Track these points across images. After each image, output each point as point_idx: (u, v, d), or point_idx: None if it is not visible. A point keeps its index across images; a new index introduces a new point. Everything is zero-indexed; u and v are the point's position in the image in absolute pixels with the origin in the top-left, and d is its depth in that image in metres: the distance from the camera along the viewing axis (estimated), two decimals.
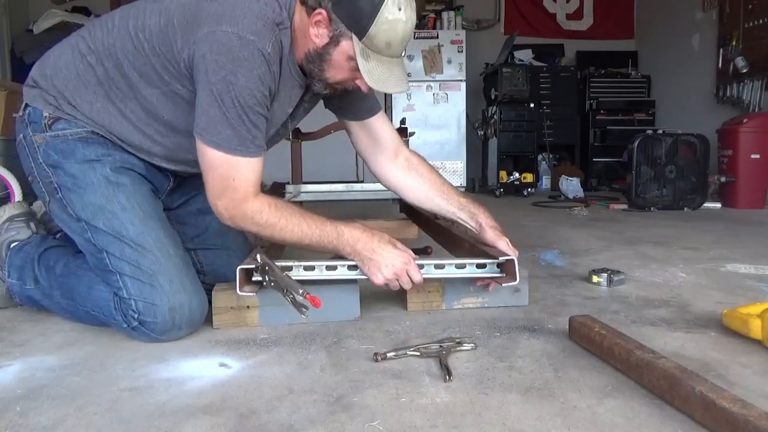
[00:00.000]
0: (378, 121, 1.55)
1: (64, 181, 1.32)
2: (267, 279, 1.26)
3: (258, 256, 1.28)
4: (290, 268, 1.34)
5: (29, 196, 2.56)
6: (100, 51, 1.31)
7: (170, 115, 1.32)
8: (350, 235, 1.31)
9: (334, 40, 1.24)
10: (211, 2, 1.22)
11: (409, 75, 5.69)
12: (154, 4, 1.30)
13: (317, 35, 1.25)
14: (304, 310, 1.21)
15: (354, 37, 1.22)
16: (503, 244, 1.45)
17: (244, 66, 1.18)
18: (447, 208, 1.56)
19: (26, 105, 1.36)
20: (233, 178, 1.23)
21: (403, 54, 1.29)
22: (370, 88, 1.29)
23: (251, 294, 1.31)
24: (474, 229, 1.54)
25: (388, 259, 1.30)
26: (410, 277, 1.32)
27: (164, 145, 1.36)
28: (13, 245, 1.49)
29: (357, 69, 1.25)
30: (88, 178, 1.31)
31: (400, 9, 1.20)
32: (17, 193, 2.99)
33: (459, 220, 1.57)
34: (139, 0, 1.34)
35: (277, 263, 1.30)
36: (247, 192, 1.25)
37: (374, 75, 1.24)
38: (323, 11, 1.22)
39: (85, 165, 1.32)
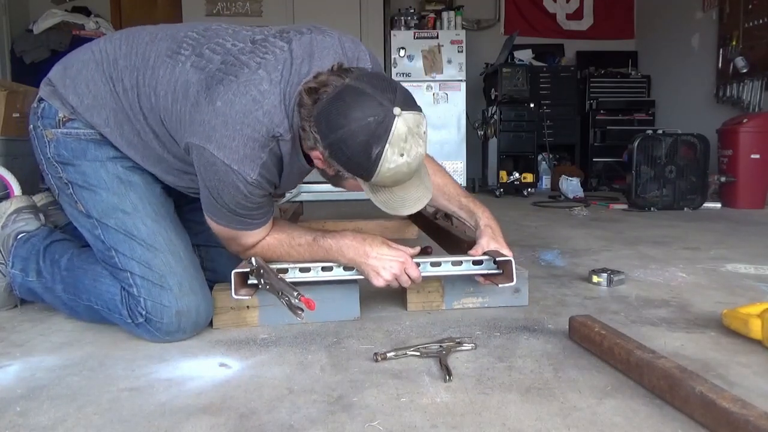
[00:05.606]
0: None
1: (75, 178, 1.32)
2: (262, 282, 1.26)
3: (253, 260, 1.29)
4: (286, 271, 1.34)
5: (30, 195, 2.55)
6: (122, 84, 1.27)
7: (170, 171, 1.34)
8: (339, 246, 1.32)
9: (340, 176, 1.19)
10: (209, 103, 1.16)
11: (409, 75, 5.72)
12: (168, 63, 1.24)
13: (322, 165, 1.20)
14: (299, 312, 1.21)
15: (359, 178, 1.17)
16: (490, 243, 1.44)
17: (229, 187, 1.18)
18: (448, 206, 1.58)
19: (41, 99, 1.34)
20: (235, 241, 1.33)
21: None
22: None
23: (246, 297, 1.30)
24: (471, 227, 1.55)
25: (385, 261, 1.30)
26: (408, 275, 1.32)
27: (167, 174, 1.36)
28: (20, 236, 1.48)
29: None
30: (99, 176, 1.31)
31: (402, 155, 1.10)
32: (17, 193, 2.98)
33: (459, 218, 1.59)
34: (157, 38, 1.29)
35: (272, 266, 1.30)
36: (246, 247, 1.34)
37: (389, 205, 1.21)
38: (320, 155, 1.16)
39: (96, 164, 1.31)
